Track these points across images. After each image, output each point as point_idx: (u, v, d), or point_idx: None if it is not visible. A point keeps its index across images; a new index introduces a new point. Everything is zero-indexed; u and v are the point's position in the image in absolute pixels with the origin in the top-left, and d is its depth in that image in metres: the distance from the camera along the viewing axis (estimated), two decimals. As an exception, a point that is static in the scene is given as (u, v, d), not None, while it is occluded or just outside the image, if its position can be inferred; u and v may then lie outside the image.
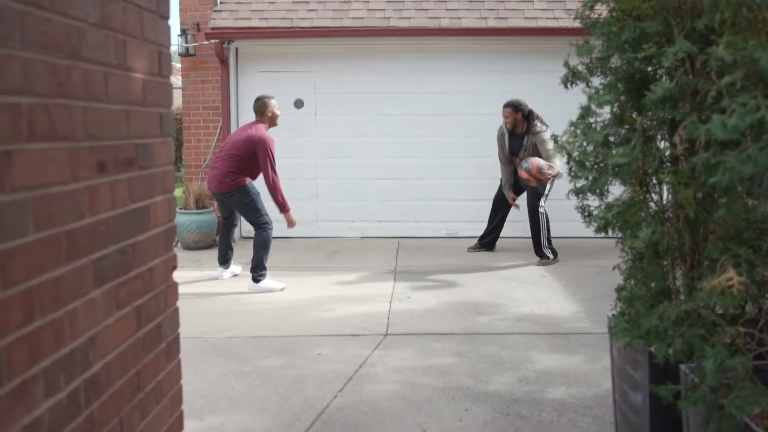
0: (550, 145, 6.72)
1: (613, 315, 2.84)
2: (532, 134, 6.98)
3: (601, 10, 2.72)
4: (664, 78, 2.56)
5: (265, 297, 5.80)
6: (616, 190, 2.69)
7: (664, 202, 2.65)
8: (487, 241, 7.62)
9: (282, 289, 6.00)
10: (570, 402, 3.56)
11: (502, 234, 7.65)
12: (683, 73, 2.38)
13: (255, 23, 8.16)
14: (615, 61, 2.69)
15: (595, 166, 2.69)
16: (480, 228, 7.78)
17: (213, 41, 8.15)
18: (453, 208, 8.45)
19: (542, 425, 3.31)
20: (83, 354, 1.61)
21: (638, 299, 2.65)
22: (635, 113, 2.66)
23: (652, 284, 2.65)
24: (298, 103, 8.45)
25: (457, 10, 8.24)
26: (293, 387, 3.81)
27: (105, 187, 1.72)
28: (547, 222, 7.05)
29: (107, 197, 1.74)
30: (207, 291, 6.04)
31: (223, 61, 8.26)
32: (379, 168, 8.45)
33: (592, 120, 2.71)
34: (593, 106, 2.67)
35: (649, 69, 2.62)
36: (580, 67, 2.78)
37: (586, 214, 2.80)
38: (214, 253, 7.16)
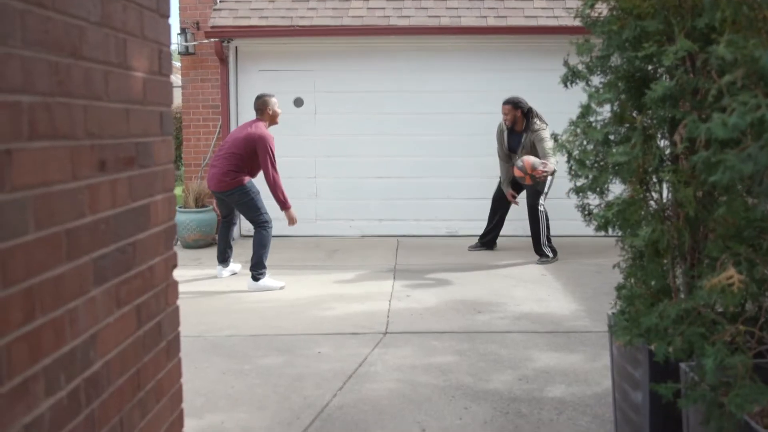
0: (548, 143, 6.76)
1: (613, 313, 2.84)
2: (531, 132, 6.99)
3: (602, 9, 2.72)
4: (664, 77, 2.56)
5: (265, 295, 5.80)
6: (617, 189, 2.69)
7: (664, 200, 2.65)
8: (488, 240, 7.62)
9: (281, 288, 6.00)
10: (570, 400, 3.57)
11: (502, 232, 7.65)
12: (684, 72, 2.38)
13: (255, 22, 8.16)
14: (615, 59, 2.69)
15: (596, 165, 2.69)
16: (479, 226, 7.78)
17: (213, 40, 8.14)
18: (453, 207, 8.45)
19: (542, 424, 3.31)
20: (84, 353, 1.61)
21: (638, 298, 2.65)
22: (635, 112, 2.66)
23: (652, 283, 2.66)
24: (298, 102, 8.45)
25: (456, 8, 8.24)
26: (293, 385, 3.82)
27: (105, 186, 1.72)
28: (547, 220, 7.06)
29: (108, 196, 1.74)
30: (207, 289, 6.04)
31: (223, 60, 8.26)
32: (378, 166, 8.46)
33: (592, 119, 2.71)
34: (593, 105, 2.67)
35: (650, 68, 2.62)
36: (580, 66, 2.78)
37: (586, 212, 2.80)
38: (213, 252, 7.15)
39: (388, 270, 6.69)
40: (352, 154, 8.46)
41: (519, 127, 7.12)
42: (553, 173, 6.86)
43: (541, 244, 7.01)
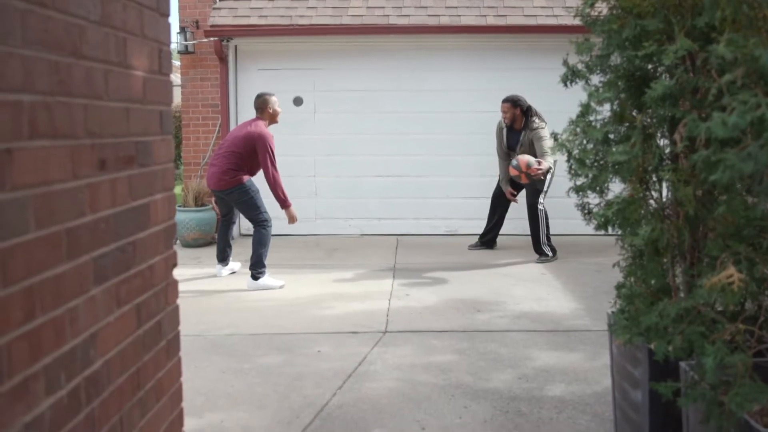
0: (546, 142, 6.79)
1: (613, 312, 2.84)
2: (530, 130, 7.01)
3: (602, 8, 2.72)
4: (664, 76, 2.56)
5: (265, 294, 5.80)
6: (616, 188, 2.69)
7: (664, 199, 2.65)
8: (488, 239, 7.62)
9: (281, 287, 6.00)
10: (569, 399, 3.57)
11: (501, 231, 7.66)
12: (684, 71, 2.38)
13: (254, 21, 8.15)
14: (615, 58, 2.69)
15: (595, 164, 2.70)
16: (479, 225, 7.78)
17: (212, 39, 8.14)
18: (452, 206, 8.45)
19: (542, 422, 3.31)
20: (84, 352, 1.61)
21: (638, 296, 2.65)
22: (635, 111, 2.66)
23: (652, 281, 2.66)
24: (297, 101, 8.44)
25: (456, 7, 8.24)
26: (292, 384, 3.82)
27: (105, 185, 1.72)
28: (547, 219, 7.06)
29: (108, 195, 1.74)
30: (206, 288, 6.04)
31: (222, 59, 8.25)
32: (378, 165, 8.46)
33: (592, 118, 2.71)
34: (593, 104, 2.67)
35: (650, 67, 2.62)
36: (580, 66, 2.78)
37: (586, 211, 2.80)
38: (213, 251, 7.15)
39: (388, 269, 6.69)
40: (352, 153, 8.46)
41: (518, 125, 7.13)
42: (549, 171, 6.89)
43: (541, 243, 7.02)
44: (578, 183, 2.74)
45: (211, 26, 8.10)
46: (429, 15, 8.18)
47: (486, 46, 8.32)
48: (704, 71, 2.33)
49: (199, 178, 8.46)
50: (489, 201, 7.61)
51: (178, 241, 7.96)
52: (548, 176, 7.04)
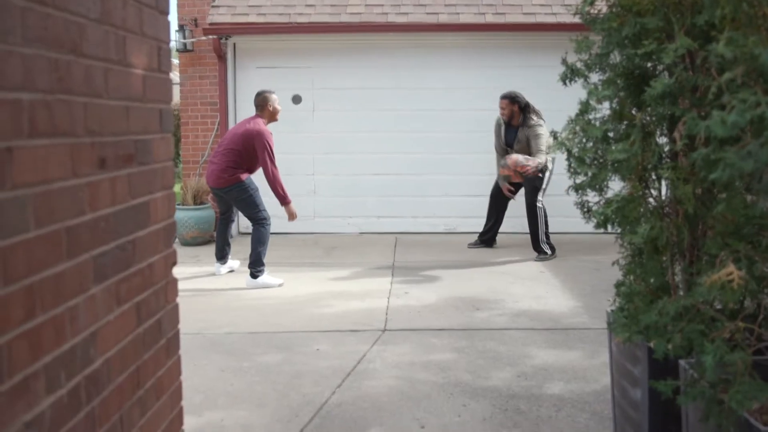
0: (541, 140, 6.83)
1: (612, 310, 2.84)
2: (527, 127, 7.03)
3: (601, 6, 2.72)
4: (663, 74, 2.56)
5: (263, 293, 5.80)
6: (616, 186, 2.69)
7: (664, 197, 2.65)
8: (487, 237, 7.63)
9: (280, 285, 6.00)
10: (568, 397, 3.57)
11: (500, 229, 7.66)
12: (683, 69, 2.38)
13: (253, 19, 8.14)
14: (614, 57, 2.69)
15: (595, 162, 2.70)
16: (478, 224, 7.78)
17: (211, 37, 8.13)
18: (451, 204, 8.45)
19: (541, 420, 3.31)
20: (84, 350, 1.61)
21: (637, 295, 2.65)
22: (635, 109, 2.66)
23: (651, 280, 2.66)
24: (296, 99, 8.44)
25: (455, 5, 8.24)
26: (292, 383, 3.82)
27: (105, 183, 1.72)
28: (545, 217, 7.07)
29: (107, 193, 1.73)
30: (205, 287, 6.04)
31: (221, 57, 8.24)
32: (377, 164, 8.45)
33: (591, 116, 2.71)
34: (593, 102, 2.67)
35: (649, 65, 2.62)
36: (579, 64, 2.78)
37: (585, 209, 2.80)
38: (211, 249, 7.14)
39: (387, 267, 6.69)
40: (351, 151, 8.45)
41: (516, 121, 7.15)
42: (546, 169, 6.93)
43: (540, 241, 7.02)
44: (578, 181, 2.74)
45: (210, 24, 8.09)
46: (428, 13, 8.17)
47: (485, 43, 8.32)
48: (704, 69, 2.33)
49: (198, 177, 8.46)
50: (488, 199, 7.61)
51: (176, 240, 7.96)
52: (546, 174, 7.05)
